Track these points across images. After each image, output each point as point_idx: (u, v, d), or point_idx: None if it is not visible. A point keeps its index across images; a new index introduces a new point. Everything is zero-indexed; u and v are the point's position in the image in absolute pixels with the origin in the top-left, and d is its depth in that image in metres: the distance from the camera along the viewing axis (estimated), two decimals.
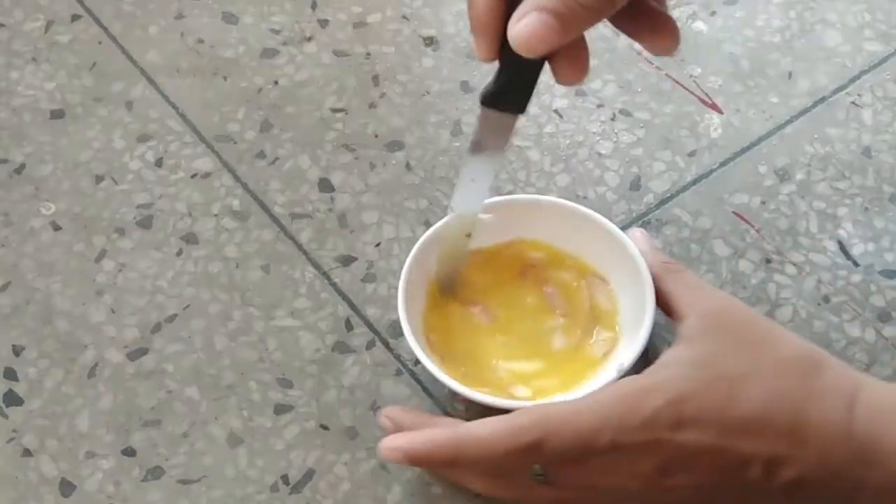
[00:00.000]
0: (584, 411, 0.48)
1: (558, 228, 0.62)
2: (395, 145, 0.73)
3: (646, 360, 0.55)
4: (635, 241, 0.60)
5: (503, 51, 0.47)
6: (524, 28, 0.44)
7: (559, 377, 0.58)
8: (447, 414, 0.62)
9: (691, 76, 0.76)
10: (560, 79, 0.48)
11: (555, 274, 0.62)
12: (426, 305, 0.61)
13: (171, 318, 0.66)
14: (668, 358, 0.51)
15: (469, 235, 0.59)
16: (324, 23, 0.80)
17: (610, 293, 0.60)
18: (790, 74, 0.76)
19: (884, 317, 0.65)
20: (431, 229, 0.61)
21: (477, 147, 0.54)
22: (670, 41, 0.49)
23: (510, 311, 0.61)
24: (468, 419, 0.55)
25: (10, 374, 0.64)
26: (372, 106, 0.75)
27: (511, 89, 0.50)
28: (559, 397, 0.56)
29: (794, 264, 0.67)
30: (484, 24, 0.47)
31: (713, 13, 0.79)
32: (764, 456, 0.47)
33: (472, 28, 0.48)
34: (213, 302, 0.67)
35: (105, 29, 0.80)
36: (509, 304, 0.61)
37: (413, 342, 0.57)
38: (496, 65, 0.49)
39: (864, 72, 0.76)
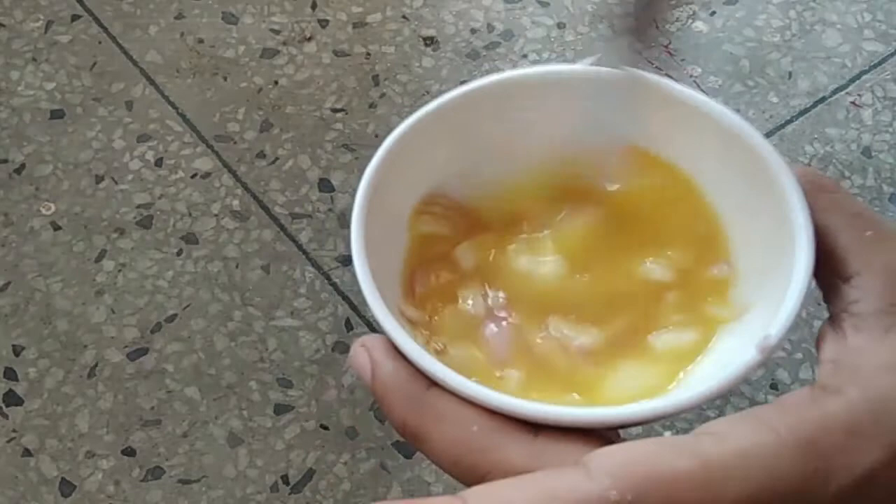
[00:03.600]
0: (714, 470, 0.24)
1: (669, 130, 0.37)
2: None
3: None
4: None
5: None
6: None
7: (636, 366, 0.33)
8: None
9: (691, 76, 0.76)
10: None
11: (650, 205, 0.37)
12: (409, 245, 0.33)
13: (171, 318, 0.66)
14: (854, 359, 0.26)
15: None
16: (324, 23, 0.80)
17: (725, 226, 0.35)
18: (790, 74, 0.76)
19: None
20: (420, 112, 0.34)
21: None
22: None
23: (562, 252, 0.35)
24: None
25: (10, 374, 0.65)
26: (372, 106, 0.75)
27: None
28: (637, 407, 0.29)
29: None
30: None
31: (713, 13, 0.79)
32: None
33: None
34: (213, 302, 0.67)
35: (105, 29, 0.80)
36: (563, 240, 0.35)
37: (371, 292, 0.29)
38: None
39: (864, 72, 0.76)
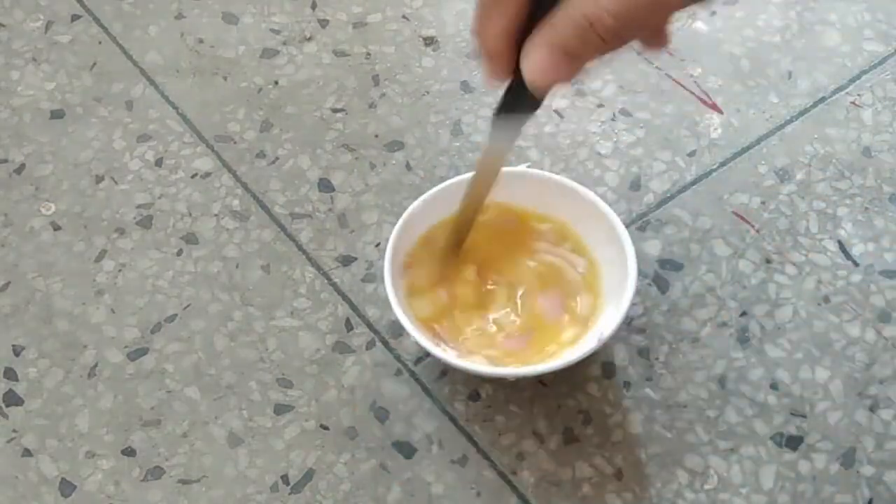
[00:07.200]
0: None
1: (541, 196, 0.65)
2: (395, 145, 0.73)
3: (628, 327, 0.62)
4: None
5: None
6: (533, 65, 0.45)
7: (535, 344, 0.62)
8: (446, 413, 0.62)
9: (691, 76, 0.76)
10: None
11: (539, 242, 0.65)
12: (405, 287, 0.63)
13: (171, 318, 0.66)
14: None
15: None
16: (324, 23, 0.80)
17: (592, 261, 0.63)
18: (790, 74, 0.76)
19: (884, 317, 0.65)
20: (414, 204, 0.64)
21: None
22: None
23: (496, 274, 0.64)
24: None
25: (10, 374, 0.65)
26: (372, 106, 0.75)
27: (523, 96, 0.50)
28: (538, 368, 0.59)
29: (794, 264, 0.67)
30: (497, 51, 0.48)
31: (713, 13, 0.79)
32: None
33: (483, 54, 0.49)
34: (213, 302, 0.67)
35: (105, 29, 0.80)
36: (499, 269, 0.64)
37: (397, 306, 0.60)
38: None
39: (864, 72, 0.76)
